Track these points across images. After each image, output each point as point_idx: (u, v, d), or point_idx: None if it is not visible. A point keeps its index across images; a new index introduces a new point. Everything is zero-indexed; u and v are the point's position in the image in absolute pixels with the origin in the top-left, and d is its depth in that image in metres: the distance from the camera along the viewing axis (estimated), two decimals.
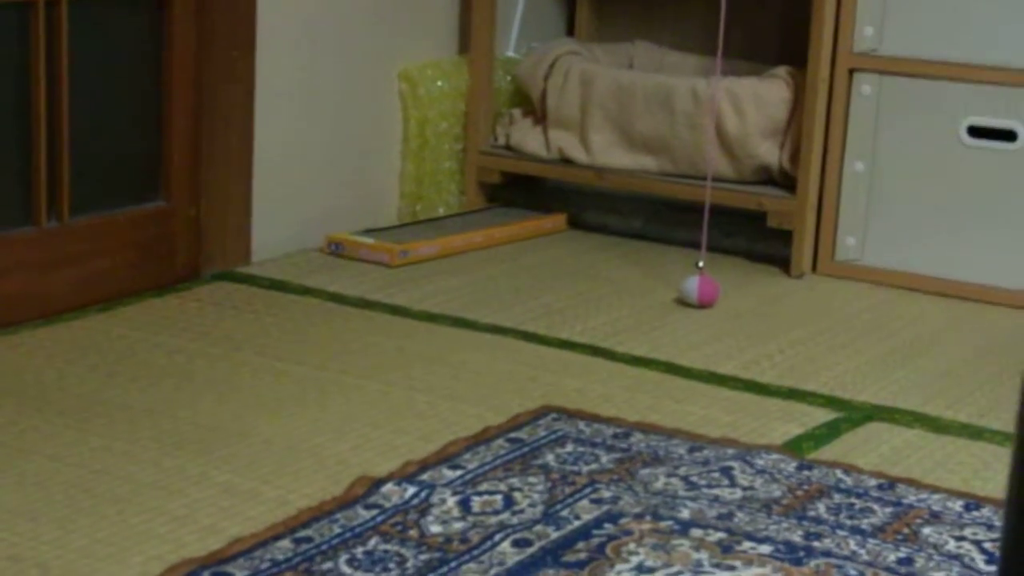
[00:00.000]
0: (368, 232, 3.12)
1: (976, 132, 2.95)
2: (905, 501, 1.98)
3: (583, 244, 3.28)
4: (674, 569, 1.75)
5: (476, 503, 1.91)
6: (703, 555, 1.79)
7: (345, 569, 1.72)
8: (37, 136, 2.59)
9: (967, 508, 1.97)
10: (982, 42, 2.93)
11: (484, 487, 1.96)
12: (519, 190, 3.46)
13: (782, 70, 3.18)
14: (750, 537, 1.85)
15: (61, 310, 2.63)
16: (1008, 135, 2.92)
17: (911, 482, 2.05)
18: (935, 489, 2.03)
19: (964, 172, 2.97)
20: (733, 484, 2.01)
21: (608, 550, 1.80)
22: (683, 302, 2.85)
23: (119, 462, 2.02)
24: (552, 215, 3.38)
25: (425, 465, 2.03)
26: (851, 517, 1.93)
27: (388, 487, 1.94)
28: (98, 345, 2.48)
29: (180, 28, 2.79)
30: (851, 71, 3.04)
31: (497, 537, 1.82)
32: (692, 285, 2.83)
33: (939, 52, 2.97)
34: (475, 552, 1.78)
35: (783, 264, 3.12)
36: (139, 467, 2.01)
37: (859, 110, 3.05)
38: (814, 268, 3.11)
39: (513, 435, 2.15)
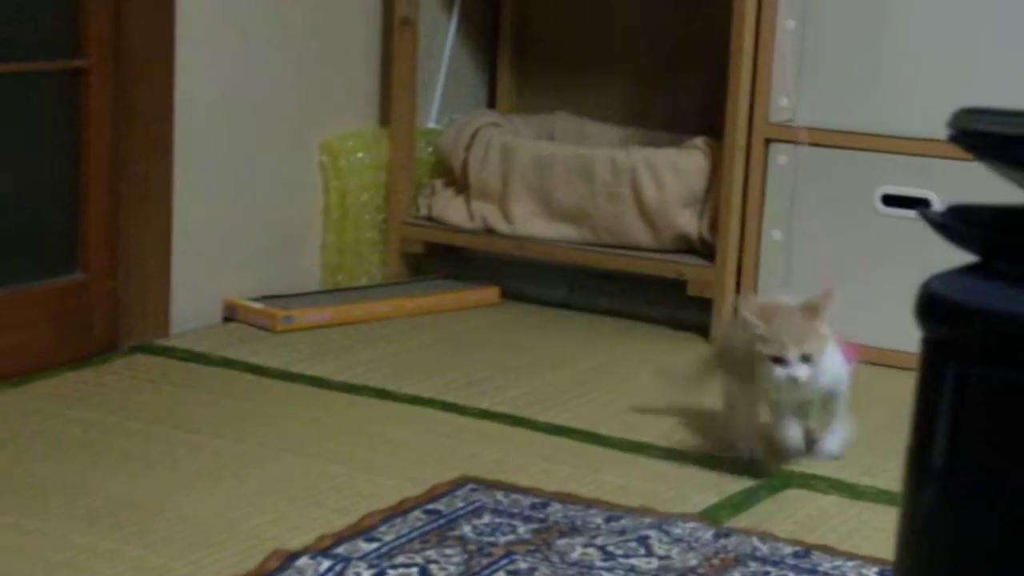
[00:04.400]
0: (266, 298, 3.11)
1: (890, 201, 3.00)
2: (821, 568, 1.99)
3: (506, 314, 3.28)
4: None
5: None
6: None
7: None
8: None
9: (882, 575, 1.98)
10: (895, 112, 2.98)
11: (400, 560, 1.95)
12: (442, 260, 3.47)
13: (700, 140, 3.21)
14: None
15: None
16: (921, 203, 2.96)
17: (827, 549, 2.06)
18: (851, 556, 2.04)
19: (879, 240, 3.01)
20: (650, 554, 2.01)
21: None
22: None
23: (29, 540, 1.99)
24: (483, 287, 3.37)
25: (341, 538, 2.01)
26: None
27: (303, 561, 1.92)
28: (10, 420, 2.45)
29: (97, 100, 2.78)
30: (767, 141, 3.08)
31: None
32: None
33: (853, 122, 3.02)
34: None
35: (704, 332, 3.13)
36: (49, 544, 1.98)
37: (776, 179, 3.08)
38: None
39: (431, 507, 2.14)
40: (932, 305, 1.07)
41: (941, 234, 1.10)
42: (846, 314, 3.04)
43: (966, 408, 1.03)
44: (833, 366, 2.32)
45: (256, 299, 3.10)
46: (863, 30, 2.99)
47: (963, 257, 1.14)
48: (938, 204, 2.94)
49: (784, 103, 3.05)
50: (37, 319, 2.73)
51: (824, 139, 3.03)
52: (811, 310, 2.30)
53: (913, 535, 1.05)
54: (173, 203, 2.94)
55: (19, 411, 2.50)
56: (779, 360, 2.23)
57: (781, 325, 2.25)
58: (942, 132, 2.94)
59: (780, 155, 3.07)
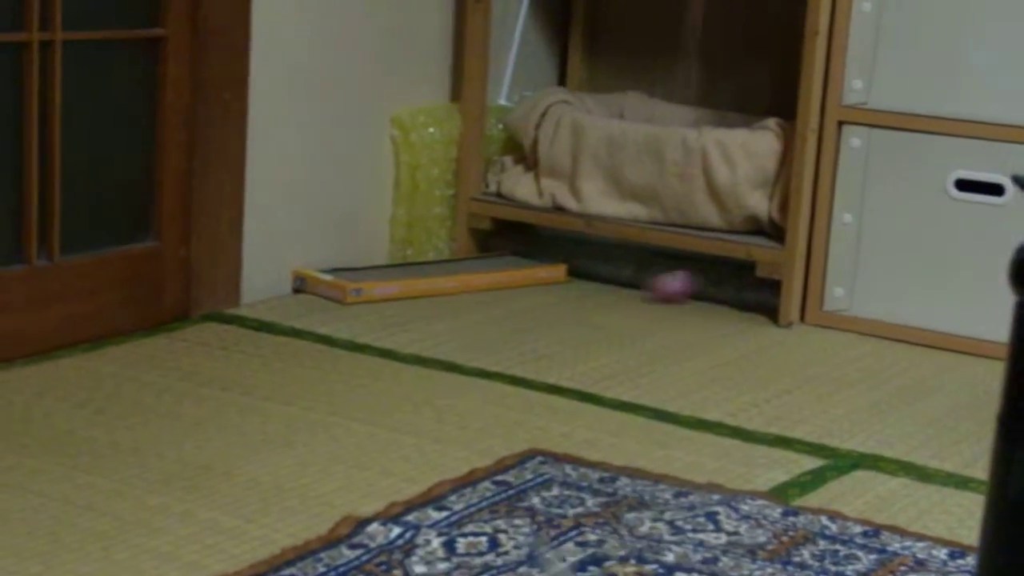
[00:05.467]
0: (336, 270, 3.13)
1: (964, 186, 2.97)
2: (890, 548, 1.99)
3: (572, 291, 3.29)
4: None
5: (461, 544, 1.91)
6: None
7: None
8: (29, 174, 2.60)
9: (952, 556, 1.97)
10: (970, 97, 2.96)
11: (469, 528, 1.96)
12: (510, 237, 3.47)
13: (772, 122, 3.20)
14: None
15: (50, 348, 2.63)
16: (995, 189, 2.94)
17: (896, 530, 2.05)
18: (920, 537, 2.03)
19: (951, 225, 2.99)
20: (718, 529, 2.01)
21: None
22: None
23: (104, 499, 2.02)
24: (550, 265, 3.37)
25: (410, 506, 2.03)
26: (836, 563, 1.93)
27: (373, 527, 1.94)
28: (86, 383, 2.48)
29: (174, 69, 2.81)
30: (840, 123, 3.06)
31: None
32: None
33: (927, 106, 2.99)
34: None
35: (771, 314, 3.13)
36: (124, 504, 2.00)
37: (848, 162, 3.07)
38: (802, 318, 3.12)
39: (499, 478, 2.15)
40: None
41: None
42: (916, 298, 3.03)
43: None
44: None
45: (326, 271, 3.12)
46: (939, 13, 2.97)
47: None
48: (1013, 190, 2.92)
49: (858, 85, 3.04)
50: (111, 286, 2.77)
51: (897, 122, 3.01)
52: None
53: (1004, 504, 1.04)
54: (246, 174, 2.96)
55: (93, 375, 2.53)
56: None
57: None
58: (1018, 116, 2.92)
59: (853, 138, 3.05)
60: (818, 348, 2.97)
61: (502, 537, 1.94)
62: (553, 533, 1.96)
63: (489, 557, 1.88)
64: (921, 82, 3.00)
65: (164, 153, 2.82)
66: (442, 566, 1.84)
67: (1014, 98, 2.91)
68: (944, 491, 2.24)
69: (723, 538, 1.98)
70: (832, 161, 3.08)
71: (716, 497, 2.12)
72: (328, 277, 3.09)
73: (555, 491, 2.11)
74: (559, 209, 3.34)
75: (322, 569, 1.82)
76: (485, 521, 1.99)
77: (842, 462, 2.33)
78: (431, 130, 3.34)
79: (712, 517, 2.05)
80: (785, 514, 2.08)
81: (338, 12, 3.13)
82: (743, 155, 3.17)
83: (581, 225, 3.32)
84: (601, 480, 2.16)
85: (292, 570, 1.81)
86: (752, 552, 1.94)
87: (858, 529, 2.04)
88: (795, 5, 3.08)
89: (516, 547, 1.91)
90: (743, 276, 3.21)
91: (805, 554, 1.95)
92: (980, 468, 2.33)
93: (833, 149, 3.07)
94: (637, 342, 2.92)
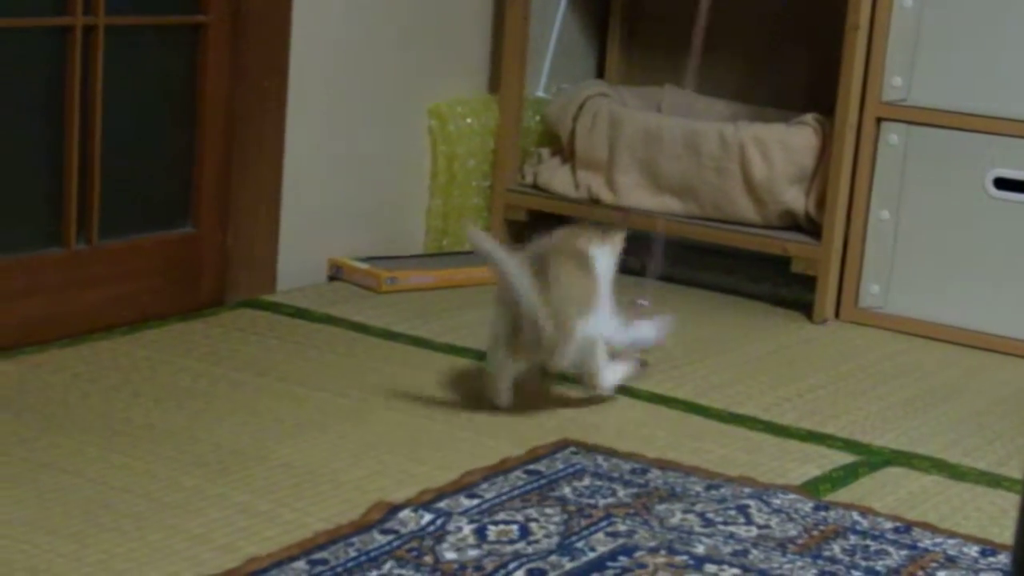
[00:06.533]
0: (371, 259, 3.14)
1: (1002, 184, 2.96)
2: (921, 545, 1.98)
3: None
4: None
5: (492, 532, 1.92)
6: None
7: None
8: (69, 159, 2.62)
9: (983, 554, 1.97)
10: (1011, 94, 2.94)
11: (500, 516, 1.97)
12: (545, 229, 3.47)
13: (810, 117, 3.20)
14: (764, 574, 1.85)
15: (88, 331, 2.65)
16: None
17: (927, 526, 2.05)
18: (951, 534, 2.03)
19: (989, 223, 2.97)
20: (749, 522, 2.01)
21: None
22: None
23: (139, 480, 2.03)
24: None
25: (442, 493, 2.04)
26: (866, 559, 1.93)
27: (405, 513, 1.95)
28: (123, 366, 2.50)
29: (214, 57, 2.82)
30: (879, 120, 3.05)
31: (511, 566, 1.82)
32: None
33: (967, 103, 2.98)
34: None
35: (806, 309, 3.12)
36: (159, 486, 2.02)
37: (886, 159, 3.06)
38: (837, 314, 3.11)
39: (531, 467, 2.16)
40: None
41: None
42: (952, 297, 3.02)
43: None
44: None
45: (361, 259, 3.13)
46: (980, 9, 2.96)
47: None
48: None
49: (898, 82, 3.03)
50: (148, 271, 2.78)
51: (937, 119, 3.00)
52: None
53: None
54: (284, 162, 2.98)
55: (130, 358, 2.55)
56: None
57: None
58: None
59: (891, 134, 3.04)
60: (853, 344, 2.97)
61: (533, 526, 1.95)
62: (584, 523, 1.97)
63: (520, 545, 1.88)
64: (961, 79, 2.98)
65: (203, 139, 2.84)
66: (473, 553, 1.85)
67: None
68: (976, 489, 2.23)
69: (754, 531, 1.98)
70: (870, 157, 3.07)
71: (748, 490, 2.12)
72: (363, 265, 3.10)
73: (587, 481, 2.12)
74: (595, 201, 3.34)
75: (353, 554, 1.83)
76: (516, 509, 2.00)
77: (874, 458, 2.33)
78: (468, 121, 3.34)
79: (743, 510, 2.05)
80: (816, 508, 2.08)
81: (378, 2, 3.14)
82: (780, 150, 3.16)
83: (616, 217, 3.32)
84: (633, 471, 2.17)
85: (324, 554, 1.82)
86: (782, 545, 1.94)
87: (889, 525, 2.04)
88: (836, 0, 3.07)
89: (547, 536, 1.92)
90: (779, 272, 3.20)
91: (836, 548, 1.95)
92: (1013, 467, 2.32)
93: (871, 145, 3.06)
94: (670, 335, 2.91)
